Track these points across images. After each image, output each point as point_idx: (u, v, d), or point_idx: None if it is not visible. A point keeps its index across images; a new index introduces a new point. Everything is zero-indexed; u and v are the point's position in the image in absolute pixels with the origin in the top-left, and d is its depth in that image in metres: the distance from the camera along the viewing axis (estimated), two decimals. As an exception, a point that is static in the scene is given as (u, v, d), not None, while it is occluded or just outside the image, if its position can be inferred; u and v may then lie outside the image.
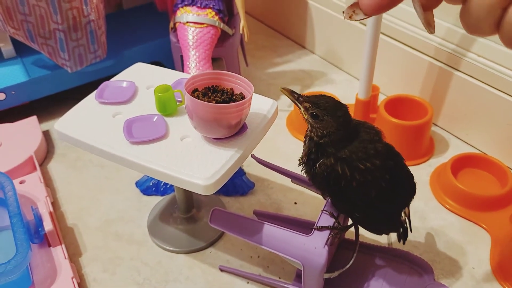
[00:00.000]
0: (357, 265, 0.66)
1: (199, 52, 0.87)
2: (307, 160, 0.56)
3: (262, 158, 0.68)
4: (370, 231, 0.61)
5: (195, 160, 0.56)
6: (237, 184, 0.81)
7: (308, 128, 0.56)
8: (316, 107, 0.53)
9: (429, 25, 0.34)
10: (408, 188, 0.59)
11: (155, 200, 0.81)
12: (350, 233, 0.72)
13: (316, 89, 1.07)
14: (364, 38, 0.82)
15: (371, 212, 0.56)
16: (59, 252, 0.70)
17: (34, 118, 0.95)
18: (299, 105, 0.55)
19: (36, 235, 0.70)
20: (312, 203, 0.80)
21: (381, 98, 0.92)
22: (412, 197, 0.59)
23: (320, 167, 0.54)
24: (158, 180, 0.82)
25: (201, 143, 0.58)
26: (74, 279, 0.66)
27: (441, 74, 0.89)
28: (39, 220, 0.71)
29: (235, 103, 0.54)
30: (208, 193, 0.54)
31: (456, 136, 0.92)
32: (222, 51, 0.94)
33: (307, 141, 0.57)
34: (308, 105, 0.54)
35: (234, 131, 0.57)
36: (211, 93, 0.58)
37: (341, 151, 0.53)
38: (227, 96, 0.57)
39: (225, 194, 0.81)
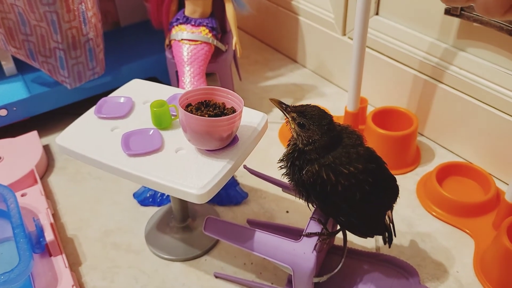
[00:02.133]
0: (346, 269, 0.69)
1: (194, 67, 0.90)
2: (291, 165, 0.59)
3: (255, 169, 0.72)
4: (356, 235, 0.64)
5: (189, 171, 0.59)
6: (231, 194, 0.84)
7: (293, 136, 0.59)
8: (302, 116, 0.57)
9: None
10: (390, 190, 0.62)
11: (152, 211, 0.84)
12: (339, 240, 0.75)
13: (308, 101, 1.09)
14: (351, 52, 0.86)
15: (356, 214, 0.59)
16: (59, 262, 0.73)
17: (34, 133, 0.98)
18: (287, 115, 0.58)
19: (37, 245, 0.73)
20: (303, 212, 0.83)
21: (370, 110, 0.96)
22: (395, 199, 0.62)
23: (306, 174, 0.57)
24: (155, 191, 0.85)
25: (194, 155, 0.62)
26: (74, 287, 0.69)
27: (426, 87, 0.93)
28: (40, 231, 0.74)
29: (226, 116, 0.57)
30: (201, 202, 0.57)
31: (441, 146, 0.96)
32: (215, 66, 0.98)
33: (291, 146, 0.60)
34: (294, 115, 0.57)
35: (226, 143, 0.61)
36: (204, 107, 0.62)
37: (325, 157, 0.56)
38: (219, 110, 0.61)
39: (219, 204, 0.84)
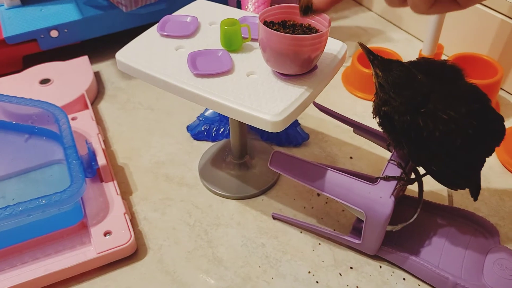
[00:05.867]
0: (418, 222, 0.63)
1: (259, -4, 0.83)
2: (378, 111, 0.53)
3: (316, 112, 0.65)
4: (445, 185, 0.57)
5: (263, 96, 0.53)
6: (291, 134, 0.78)
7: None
8: (385, 79, 0.50)
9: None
10: (496, 133, 0.53)
11: (206, 146, 0.79)
12: (409, 191, 0.69)
13: (374, 45, 1.02)
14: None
15: (453, 163, 0.52)
16: (111, 188, 0.69)
17: (85, 58, 0.94)
18: (372, 66, 0.52)
19: (89, 169, 0.69)
20: (368, 159, 0.76)
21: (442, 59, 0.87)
22: (500, 142, 0.54)
23: (398, 120, 0.50)
24: (210, 125, 0.80)
25: (268, 80, 0.55)
26: (126, 215, 0.66)
27: (514, 34, 0.84)
28: (92, 155, 0.70)
29: (311, 35, 0.50)
30: (275, 130, 0.52)
31: (523, 102, 0.87)
32: (280, -2, 0.90)
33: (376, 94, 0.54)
34: (380, 73, 0.51)
35: (307, 69, 0.54)
36: (283, 28, 0.55)
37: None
38: (301, 31, 0.54)
39: (278, 144, 0.79)
